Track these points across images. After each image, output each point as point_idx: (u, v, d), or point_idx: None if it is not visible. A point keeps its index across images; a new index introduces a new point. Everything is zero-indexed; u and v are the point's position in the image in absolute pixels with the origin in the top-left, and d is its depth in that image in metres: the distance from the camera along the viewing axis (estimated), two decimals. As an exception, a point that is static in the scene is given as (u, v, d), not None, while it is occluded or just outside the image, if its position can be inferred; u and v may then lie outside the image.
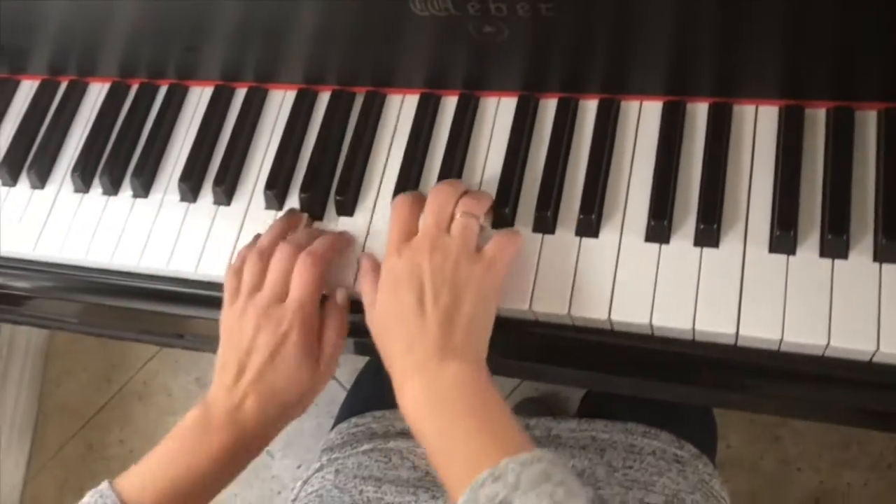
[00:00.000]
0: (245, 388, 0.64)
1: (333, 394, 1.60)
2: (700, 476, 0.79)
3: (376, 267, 0.65)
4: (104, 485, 0.61)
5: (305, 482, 0.85)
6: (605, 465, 0.77)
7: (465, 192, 0.65)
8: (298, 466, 1.59)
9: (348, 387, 1.02)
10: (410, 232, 0.63)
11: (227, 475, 0.65)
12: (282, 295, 0.64)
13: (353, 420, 0.89)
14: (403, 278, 0.60)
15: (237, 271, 0.67)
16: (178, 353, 1.74)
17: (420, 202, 0.64)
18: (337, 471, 0.82)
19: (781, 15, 0.57)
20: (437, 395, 0.57)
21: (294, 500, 0.85)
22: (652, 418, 0.82)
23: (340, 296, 0.68)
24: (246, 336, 0.64)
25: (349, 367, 1.62)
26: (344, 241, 0.69)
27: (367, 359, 1.02)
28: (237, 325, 0.65)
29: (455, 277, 0.59)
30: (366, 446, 0.83)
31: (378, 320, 0.62)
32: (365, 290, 0.65)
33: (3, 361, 1.70)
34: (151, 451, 0.64)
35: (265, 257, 0.66)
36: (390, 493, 0.76)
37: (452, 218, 0.62)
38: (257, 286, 0.65)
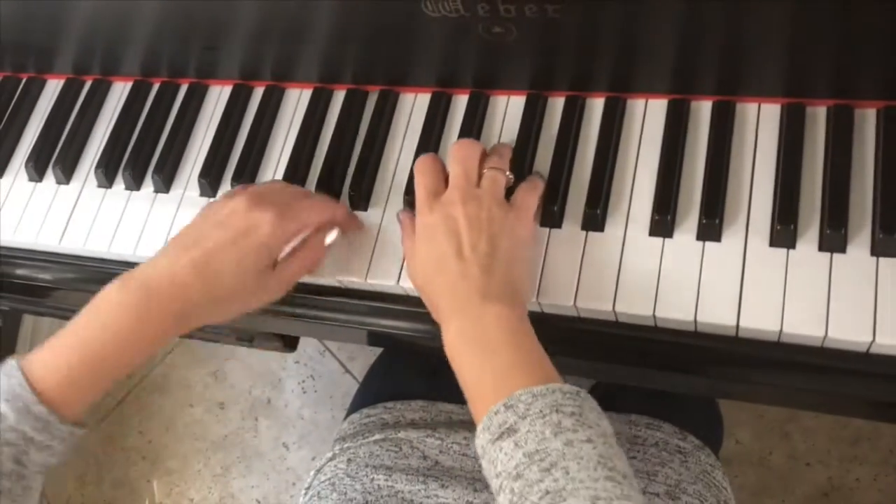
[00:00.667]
0: (190, 260, 0.61)
1: (347, 386, 1.64)
2: (702, 467, 0.80)
3: (413, 221, 0.66)
4: (11, 362, 0.59)
5: (318, 471, 0.87)
6: None
7: (486, 150, 0.67)
8: (313, 458, 1.62)
9: (361, 379, 1.05)
10: (439, 188, 0.64)
11: (143, 355, 0.62)
12: (277, 200, 0.65)
13: (365, 411, 0.91)
14: (440, 230, 0.61)
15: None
16: (195, 347, 1.77)
17: (441, 162, 0.66)
18: (349, 460, 0.83)
19: (783, 16, 0.59)
20: (476, 333, 0.57)
21: (308, 487, 0.87)
22: (656, 410, 0.84)
23: (330, 236, 0.69)
24: (221, 211, 0.64)
25: (362, 360, 1.65)
26: (357, 221, 0.71)
27: (379, 352, 1.04)
28: (221, 202, 0.65)
29: (490, 226, 0.61)
30: (377, 436, 0.85)
31: (420, 272, 0.64)
32: (406, 244, 0.66)
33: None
34: (67, 324, 0.61)
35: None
36: (401, 481, 0.78)
37: (479, 173, 0.64)
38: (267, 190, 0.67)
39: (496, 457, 0.51)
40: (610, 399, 0.93)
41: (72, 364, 0.59)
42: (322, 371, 1.68)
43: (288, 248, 0.67)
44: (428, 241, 0.63)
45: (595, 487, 0.47)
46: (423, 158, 0.66)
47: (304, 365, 1.70)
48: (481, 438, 0.53)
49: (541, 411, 0.51)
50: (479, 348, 0.57)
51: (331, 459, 0.86)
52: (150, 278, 0.61)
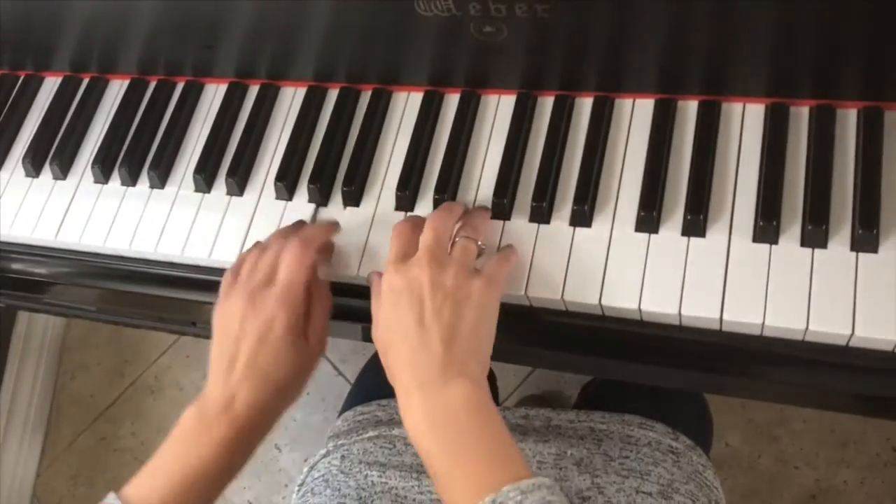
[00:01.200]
0: (238, 376, 0.64)
1: (339, 388, 1.64)
2: (694, 467, 0.81)
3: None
4: (111, 496, 0.61)
5: (312, 467, 0.88)
6: (603, 454, 0.80)
7: (463, 214, 0.67)
8: (305, 460, 1.62)
9: (353, 382, 1.05)
10: (410, 251, 0.63)
11: (231, 468, 0.65)
12: (270, 280, 0.66)
13: (359, 408, 0.92)
14: (404, 294, 0.61)
15: (235, 270, 0.68)
16: (188, 348, 1.77)
17: (420, 225, 0.65)
18: (343, 456, 0.84)
19: (768, 18, 0.60)
20: (441, 414, 0.57)
21: (301, 484, 0.88)
22: (648, 410, 0.84)
23: (322, 271, 0.69)
24: (234, 324, 0.65)
25: (354, 363, 1.66)
26: (332, 227, 0.71)
27: (372, 352, 1.05)
28: (227, 314, 0.66)
29: (456, 293, 0.60)
30: (371, 433, 0.86)
31: (381, 336, 0.63)
32: (373, 306, 0.65)
33: (19, 355, 1.74)
34: (154, 454, 0.64)
35: (262, 251, 0.68)
36: (394, 477, 0.79)
37: (452, 241, 0.64)
38: (252, 279, 0.67)
39: None
40: (602, 398, 0.94)
41: (164, 491, 0.62)
42: (315, 374, 1.69)
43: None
44: (391, 305, 0.61)
45: None
46: (402, 222, 0.66)
47: (296, 367, 1.70)
48: None
49: None
50: (449, 434, 0.57)
51: (324, 456, 0.87)
52: (218, 411, 0.64)
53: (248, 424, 0.64)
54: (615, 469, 0.78)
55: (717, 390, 0.81)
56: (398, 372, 0.61)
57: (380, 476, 0.80)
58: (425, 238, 0.63)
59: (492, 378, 1.13)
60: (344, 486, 0.81)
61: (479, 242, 0.65)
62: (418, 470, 0.80)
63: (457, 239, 0.64)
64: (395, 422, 0.87)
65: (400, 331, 0.60)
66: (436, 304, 0.59)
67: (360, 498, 0.79)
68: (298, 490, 0.88)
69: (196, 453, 0.63)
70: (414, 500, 0.77)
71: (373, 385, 0.96)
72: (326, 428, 1.61)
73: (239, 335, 0.65)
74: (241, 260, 0.69)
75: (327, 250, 0.72)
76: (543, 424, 0.83)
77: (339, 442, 0.87)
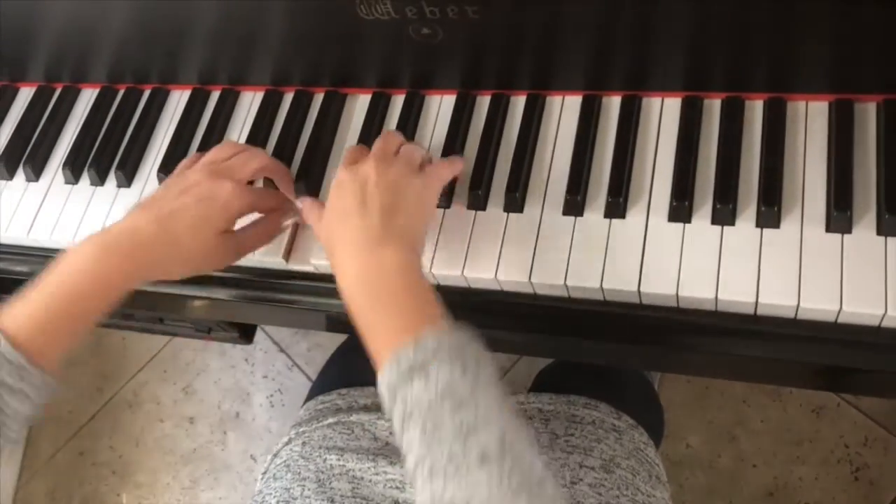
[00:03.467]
0: (151, 215, 0.67)
1: (306, 392, 1.68)
2: (636, 444, 0.85)
3: (320, 204, 0.71)
4: None
5: (275, 455, 0.92)
6: (549, 433, 0.84)
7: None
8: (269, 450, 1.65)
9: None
10: (359, 159, 0.69)
11: (104, 301, 0.65)
12: (234, 169, 0.71)
13: (321, 398, 0.96)
14: (348, 185, 0.66)
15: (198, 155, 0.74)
16: (166, 363, 1.81)
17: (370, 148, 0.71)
18: (304, 443, 0.88)
19: (688, 12, 0.66)
20: (374, 272, 0.61)
21: (264, 472, 0.92)
22: (593, 392, 0.89)
23: (288, 220, 0.75)
24: (187, 180, 0.69)
25: (315, 364, 1.69)
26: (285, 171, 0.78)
27: (334, 347, 1.10)
28: (184, 174, 0.71)
29: (396, 183, 0.65)
30: (330, 420, 0.90)
31: (325, 225, 0.67)
32: (312, 218, 0.71)
33: (-1, 372, 1.76)
34: (36, 282, 0.64)
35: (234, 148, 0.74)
36: (352, 460, 0.83)
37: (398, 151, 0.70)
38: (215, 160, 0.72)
39: (406, 392, 0.54)
40: (553, 382, 0.99)
41: (40, 312, 0.62)
42: (290, 385, 1.73)
43: (247, 221, 0.73)
44: (337, 197, 0.67)
45: (501, 420, 0.53)
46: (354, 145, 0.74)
47: (272, 379, 1.74)
48: (387, 376, 0.55)
49: (448, 351, 0.55)
50: (379, 291, 0.60)
51: (286, 444, 0.91)
52: (111, 233, 0.66)
53: (135, 259, 0.66)
54: (560, 446, 0.82)
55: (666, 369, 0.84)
56: (339, 252, 0.64)
57: (338, 459, 0.84)
58: (375, 145, 0.70)
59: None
60: (304, 469, 0.84)
61: (425, 151, 0.71)
62: (374, 453, 0.84)
63: (403, 145, 0.70)
64: (354, 409, 0.91)
65: (343, 215, 0.65)
66: (378, 188, 0.64)
67: (319, 480, 0.82)
68: (262, 477, 0.91)
69: (77, 274, 0.64)
70: (370, 480, 0.81)
71: (333, 377, 1.01)
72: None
73: (179, 191, 0.69)
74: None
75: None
76: (494, 406, 0.88)
77: (301, 429, 0.91)
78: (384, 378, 0.56)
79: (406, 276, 0.61)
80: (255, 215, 0.74)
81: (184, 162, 0.76)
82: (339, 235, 0.64)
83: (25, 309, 0.63)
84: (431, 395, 0.53)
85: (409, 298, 0.60)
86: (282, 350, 1.76)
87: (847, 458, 1.42)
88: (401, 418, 0.55)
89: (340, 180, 0.67)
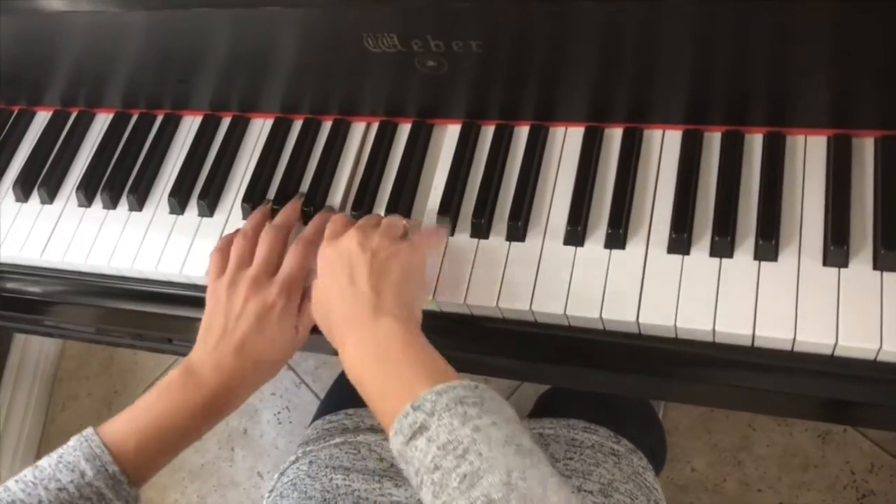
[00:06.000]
0: (229, 347, 0.70)
1: (313, 409, 1.69)
2: (634, 468, 0.86)
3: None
4: (88, 430, 0.66)
5: (282, 473, 0.93)
6: (549, 457, 0.84)
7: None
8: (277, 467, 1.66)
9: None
10: (341, 233, 0.70)
11: (199, 428, 0.70)
12: (271, 270, 0.73)
13: (328, 417, 0.97)
14: (335, 261, 0.68)
15: (222, 250, 0.75)
16: (176, 379, 1.82)
17: (353, 223, 0.72)
18: (311, 462, 0.89)
19: (688, 49, 0.67)
20: (372, 346, 0.62)
21: (271, 490, 0.93)
22: (593, 416, 0.90)
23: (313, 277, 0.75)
24: (235, 303, 0.71)
25: (322, 382, 1.70)
26: (324, 221, 0.77)
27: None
28: (226, 293, 0.72)
29: (381, 252, 0.67)
30: (337, 440, 0.91)
31: (319, 304, 0.69)
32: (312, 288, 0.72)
33: (11, 386, 1.79)
34: (135, 403, 0.69)
35: (250, 238, 0.75)
36: (357, 480, 0.84)
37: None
38: (245, 262, 0.73)
39: (412, 455, 0.54)
40: (553, 406, 0.99)
41: (140, 433, 0.66)
42: (297, 402, 1.74)
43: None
44: (325, 275, 0.69)
45: (507, 462, 0.52)
46: (338, 214, 0.74)
47: (279, 396, 1.76)
48: (395, 442, 0.56)
49: (447, 406, 0.55)
50: (378, 360, 0.62)
51: (293, 462, 0.92)
52: (205, 377, 0.70)
53: (228, 390, 0.70)
54: (560, 470, 0.82)
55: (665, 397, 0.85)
56: (337, 328, 0.66)
57: (344, 479, 0.85)
58: (357, 224, 0.70)
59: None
60: (310, 488, 0.86)
61: (405, 222, 0.72)
62: (380, 474, 0.85)
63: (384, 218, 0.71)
64: (361, 429, 0.92)
65: (335, 292, 0.67)
66: (364, 262, 0.66)
67: (325, 500, 0.83)
68: (269, 495, 0.92)
69: (177, 411, 0.68)
70: (375, 501, 0.82)
71: (341, 396, 1.02)
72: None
73: (239, 314, 0.71)
74: (227, 240, 0.76)
75: None
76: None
77: (308, 448, 0.92)
78: (391, 444, 0.57)
79: (405, 342, 0.62)
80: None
81: (211, 274, 0.75)
82: (334, 313, 0.66)
83: (127, 427, 0.67)
84: (433, 453, 0.53)
85: (409, 364, 0.60)
86: (290, 367, 1.77)
87: (853, 484, 1.41)
88: (413, 479, 0.55)
89: (326, 257, 0.69)
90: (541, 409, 1.01)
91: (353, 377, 0.63)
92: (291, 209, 0.79)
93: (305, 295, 0.74)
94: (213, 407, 0.70)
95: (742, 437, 1.48)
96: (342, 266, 0.67)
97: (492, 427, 0.54)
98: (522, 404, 1.59)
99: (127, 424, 0.67)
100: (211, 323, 0.72)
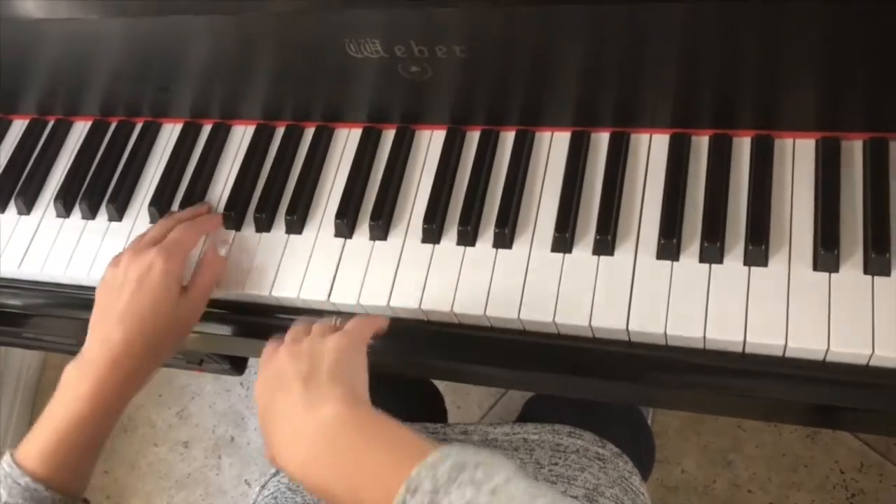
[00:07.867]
0: (114, 320, 0.69)
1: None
2: (620, 473, 0.85)
3: None
4: (6, 458, 0.66)
5: (263, 486, 0.91)
6: (534, 462, 0.84)
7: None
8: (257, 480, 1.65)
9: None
10: (273, 354, 0.64)
11: (107, 415, 0.68)
12: (153, 240, 0.73)
13: (309, 431, 0.96)
14: (270, 378, 0.62)
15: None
16: (161, 387, 1.81)
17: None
18: (292, 476, 0.88)
19: (673, 52, 0.67)
20: (320, 442, 0.55)
21: (253, 503, 0.92)
22: (578, 421, 0.89)
23: (223, 249, 0.77)
24: (117, 275, 0.71)
25: None
26: (218, 216, 0.80)
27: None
28: (111, 271, 0.72)
29: (310, 351, 0.61)
30: (319, 453, 0.89)
31: (263, 423, 0.61)
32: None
33: (-7, 398, 1.76)
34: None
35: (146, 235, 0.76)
36: None
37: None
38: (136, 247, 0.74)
39: None
40: (539, 411, 0.99)
41: (48, 438, 0.66)
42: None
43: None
44: (262, 395, 0.62)
45: None
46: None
47: (267, 403, 1.74)
48: None
49: (449, 477, 0.48)
50: (331, 454, 0.54)
51: (274, 475, 0.91)
52: (94, 355, 0.69)
53: (123, 366, 0.68)
54: (545, 475, 0.82)
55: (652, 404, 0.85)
56: (281, 446, 0.58)
57: None
58: (286, 335, 0.66)
59: (436, 398, 1.17)
60: (290, 502, 0.84)
61: (337, 321, 0.67)
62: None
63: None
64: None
65: (272, 407, 0.60)
66: (293, 366, 0.60)
67: (306, 514, 0.82)
68: (251, 509, 0.91)
69: (74, 400, 0.67)
70: (356, 515, 0.80)
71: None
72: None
73: (117, 287, 0.71)
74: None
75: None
76: (481, 438, 0.88)
77: (289, 462, 0.90)
78: None
79: (358, 423, 0.55)
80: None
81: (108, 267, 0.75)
82: (275, 426, 0.59)
83: (35, 437, 0.67)
84: None
85: (376, 445, 0.53)
86: (277, 374, 1.75)
87: (843, 483, 1.41)
88: None
89: (260, 384, 0.63)
90: (527, 414, 1.00)
91: (311, 486, 0.55)
92: (204, 210, 0.80)
93: (205, 263, 0.75)
94: (113, 388, 0.68)
95: (732, 439, 1.48)
96: (276, 383, 0.61)
97: (507, 484, 0.48)
98: (510, 409, 1.58)
99: (34, 433, 0.67)
100: (97, 306, 0.72)
